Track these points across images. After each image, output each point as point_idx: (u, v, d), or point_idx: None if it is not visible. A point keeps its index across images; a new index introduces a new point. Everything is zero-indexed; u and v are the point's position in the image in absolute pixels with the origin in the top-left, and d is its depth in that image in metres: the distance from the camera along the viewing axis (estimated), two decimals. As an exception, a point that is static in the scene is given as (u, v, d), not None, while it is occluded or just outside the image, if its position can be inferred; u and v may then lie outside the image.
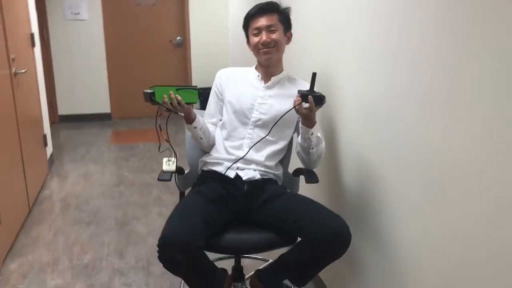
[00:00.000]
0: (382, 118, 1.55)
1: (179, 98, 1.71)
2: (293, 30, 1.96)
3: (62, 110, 5.77)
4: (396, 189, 1.50)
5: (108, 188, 3.67)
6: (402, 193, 1.46)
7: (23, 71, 3.10)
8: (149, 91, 1.69)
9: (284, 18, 1.88)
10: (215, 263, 1.77)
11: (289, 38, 1.92)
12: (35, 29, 3.75)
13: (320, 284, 2.25)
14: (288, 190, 1.89)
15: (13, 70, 2.95)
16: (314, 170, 1.91)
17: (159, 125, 1.73)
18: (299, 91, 1.67)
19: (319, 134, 1.78)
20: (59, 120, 5.75)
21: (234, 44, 5.19)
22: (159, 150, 1.79)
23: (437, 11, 1.21)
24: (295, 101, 1.67)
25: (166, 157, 1.87)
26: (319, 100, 1.65)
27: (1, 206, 2.46)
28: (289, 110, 1.73)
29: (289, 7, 1.91)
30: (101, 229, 2.95)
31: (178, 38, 6.11)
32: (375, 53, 1.57)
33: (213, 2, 5.93)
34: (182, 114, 1.77)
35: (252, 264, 2.15)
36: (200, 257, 1.61)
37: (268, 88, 1.93)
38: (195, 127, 1.87)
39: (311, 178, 1.85)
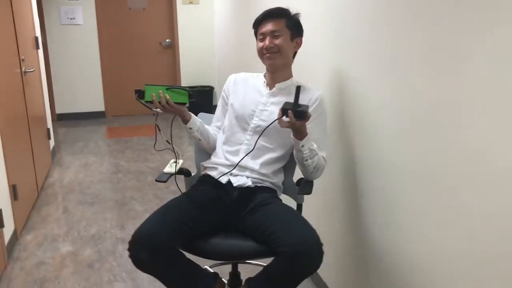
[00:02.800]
0: (407, 126, 1.47)
1: (168, 97, 1.72)
2: (307, 36, 1.92)
3: (59, 109, 6.14)
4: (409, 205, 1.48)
5: (107, 175, 4.07)
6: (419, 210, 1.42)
7: (31, 70, 3.50)
8: (140, 89, 1.74)
9: (292, 23, 1.83)
10: (214, 268, 1.91)
11: (298, 44, 1.87)
12: (37, 33, 4.15)
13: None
14: (279, 200, 1.85)
15: (23, 69, 3.35)
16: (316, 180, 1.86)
17: (157, 125, 1.78)
18: (285, 103, 1.63)
19: (314, 146, 1.72)
20: (57, 119, 6.12)
21: (219, 45, 5.59)
22: (154, 147, 1.95)
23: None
24: (278, 114, 1.63)
25: (173, 159, 1.91)
26: (300, 115, 1.58)
27: (17, 187, 2.85)
28: (273, 122, 1.70)
29: (298, 13, 1.87)
30: (103, 208, 3.35)
31: (167, 40, 6.51)
32: (399, 56, 1.48)
33: (199, 7, 6.35)
34: (159, 111, 1.75)
35: (252, 271, 2.03)
36: (171, 258, 1.60)
37: (272, 94, 1.88)
38: (190, 128, 1.88)
39: (304, 189, 1.79)
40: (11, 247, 2.70)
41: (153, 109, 1.73)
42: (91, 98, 6.29)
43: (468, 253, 1.22)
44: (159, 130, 1.76)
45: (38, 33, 4.14)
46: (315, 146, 1.73)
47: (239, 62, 4.21)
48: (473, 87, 1.15)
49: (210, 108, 6.40)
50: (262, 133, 1.77)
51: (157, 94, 1.71)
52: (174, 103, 1.73)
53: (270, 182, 1.86)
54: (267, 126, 1.74)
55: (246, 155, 1.81)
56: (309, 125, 1.73)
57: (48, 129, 4.30)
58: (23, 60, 3.36)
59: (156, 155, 4.63)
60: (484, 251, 1.16)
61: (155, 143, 1.89)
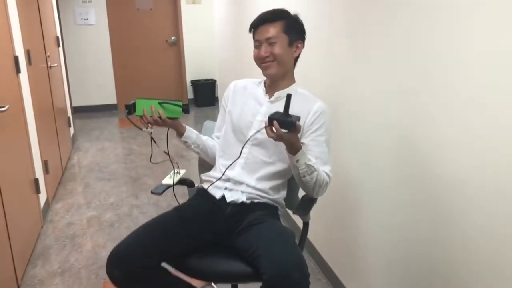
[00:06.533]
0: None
1: (160, 111, 1.62)
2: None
3: (75, 102, 6.69)
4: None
5: (121, 157, 4.62)
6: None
7: (55, 65, 4.04)
8: (130, 103, 1.64)
9: (290, 27, 1.66)
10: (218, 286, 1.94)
11: (298, 48, 1.70)
12: (58, 32, 4.68)
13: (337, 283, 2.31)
14: (274, 219, 1.70)
15: (49, 64, 3.88)
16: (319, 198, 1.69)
17: (152, 138, 1.67)
18: (274, 112, 1.48)
19: (312, 161, 1.55)
20: (73, 111, 6.66)
21: (219, 42, 6.10)
22: (150, 160, 1.82)
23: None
24: (265, 123, 1.49)
25: (177, 169, 1.82)
26: (287, 126, 1.42)
27: (48, 163, 3.39)
28: (259, 131, 1.60)
29: (295, 14, 1.71)
30: (119, 183, 3.89)
31: (173, 38, 7.05)
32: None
33: (201, 6, 6.88)
34: (149, 130, 1.65)
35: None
36: (148, 278, 1.52)
37: (272, 103, 1.73)
38: (185, 142, 1.78)
39: (301, 208, 1.71)
40: (45, 212, 3.24)
41: (144, 129, 1.64)
42: (104, 92, 6.86)
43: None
44: (155, 142, 1.67)
45: (58, 32, 4.67)
46: (313, 160, 1.56)
47: (237, 56, 4.71)
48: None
49: (213, 100, 6.93)
50: (246, 142, 1.66)
51: (148, 109, 1.62)
52: (167, 117, 1.65)
53: (269, 199, 1.72)
54: (253, 134, 1.64)
55: (228, 167, 1.68)
56: (309, 138, 1.64)
57: (69, 118, 4.85)
58: (48, 56, 3.89)
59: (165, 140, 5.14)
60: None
61: (151, 156, 1.78)
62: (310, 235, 2.22)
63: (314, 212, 1.77)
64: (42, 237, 2.93)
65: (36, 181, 3.00)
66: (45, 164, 3.31)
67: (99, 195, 3.63)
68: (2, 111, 2.24)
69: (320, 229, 2.42)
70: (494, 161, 1.21)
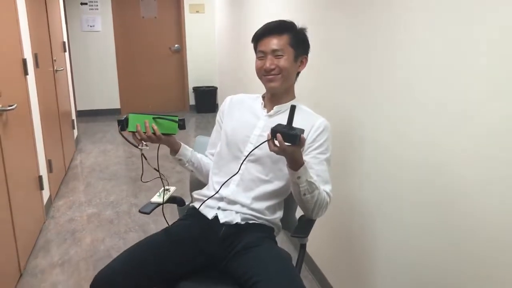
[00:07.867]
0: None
1: (155, 127, 1.53)
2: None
3: (80, 106, 6.87)
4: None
5: (123, 159, 4.78)
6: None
7: (61, 69, 4.21)
8: (122, 118, 1.56)
9: (297, 40, 1.60)
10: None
11: (303, 64, 1.65)
12: (65, 38, 4.87)
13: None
14: (271, 242, 1.62)
15: (55, 68, 4.06)
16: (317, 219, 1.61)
17: (143, 154, 1.59)
18: (276, 125, 1.39)
19: (314, 179, 1.47)
20: (78, 115, 6.83)
21: (220, 50, 6.29)
22: (141, 179, 1.72)
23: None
24: (267, 135, 1.39)
25: (164, 187, 1.73)
26: (291, 138, 1.34)
27: (52, 162, 3.54)
28: (260, 144, 1.48)
29: (304, 28, 1.64)
30: (119, 183, 4.04)
31: (176, 45, 7.24)
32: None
33: (204, 15, 7.09)
34: (145, 147, 1.57)
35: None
36: None
37: (270, 117, 1.66)
38: (180, 159, 1.69)
39: (300, 230, 1.59)
40: (48, 208, 3.39)
41: (139, 147, 1.57)
42: (108, 97, 7.04)
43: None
44: (145, 159, 1.60)
45: (65, 38, 4.86)
46: (314, 178, 1.49)
47: (237, 64, 4.87)
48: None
49: (214, 107, 7.10)
50: (247, 157, 1.58)
51: (142, 124, 1.54)
52: (162, 134, 1.56)
53: (265, 219, 1.62)
54: (254, 148, 1.54)
55: (223, 184, 1.59)
56: (310, 155, 1.57)
57: (73, 120, 5.02)
58: (55, 60, 4.07)
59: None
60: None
61: (142, 174, 1.70)
62: (309, 250, 2.20)
63: (314, 228, 1.65)
64: (44, 231, 3.08)
65: (40, 178, 3.16)
66: (49, 163, 3.46)
67: (99, 193, 3.78)
68: (11, 110, 2.40)
69: (322, 244, 2.38)
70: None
